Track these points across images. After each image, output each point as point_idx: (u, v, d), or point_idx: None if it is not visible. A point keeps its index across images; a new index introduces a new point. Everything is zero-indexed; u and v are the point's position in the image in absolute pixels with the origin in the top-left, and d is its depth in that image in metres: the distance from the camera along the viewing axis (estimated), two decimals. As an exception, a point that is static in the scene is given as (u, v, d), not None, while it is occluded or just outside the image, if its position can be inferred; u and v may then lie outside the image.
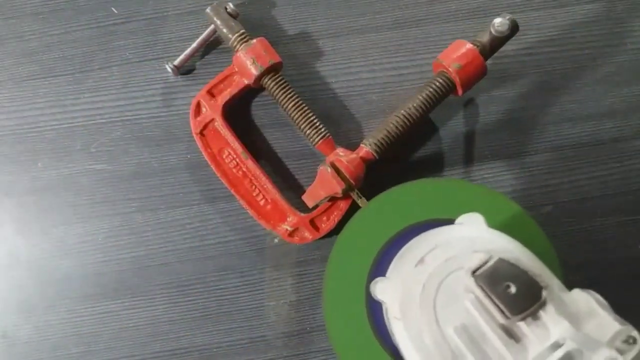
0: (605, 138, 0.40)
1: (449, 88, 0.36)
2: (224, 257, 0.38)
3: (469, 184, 0.35)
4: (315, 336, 0.37)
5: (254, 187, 0.38)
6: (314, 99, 0.40)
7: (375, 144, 0.36)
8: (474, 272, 0.21)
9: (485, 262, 0.21)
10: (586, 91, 0.41)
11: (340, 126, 0.40)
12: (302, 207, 0.38)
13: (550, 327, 0.20)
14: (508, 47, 0.41)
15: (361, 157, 0.36)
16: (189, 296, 0.38)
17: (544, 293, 0.20)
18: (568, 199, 0.38)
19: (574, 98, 0.41)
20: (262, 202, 0.38)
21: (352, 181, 0.35)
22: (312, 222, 0.37)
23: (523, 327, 0.20)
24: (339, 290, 0.30)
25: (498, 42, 0.35)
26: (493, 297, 0.20)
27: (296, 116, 0.37)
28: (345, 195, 0.36)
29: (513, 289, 0.20)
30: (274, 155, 0.40)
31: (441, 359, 0.20)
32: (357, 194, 0.36)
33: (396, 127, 0.36)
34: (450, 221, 0.25)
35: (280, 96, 0.37)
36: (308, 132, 0.37)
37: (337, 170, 0.35)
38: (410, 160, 0.40)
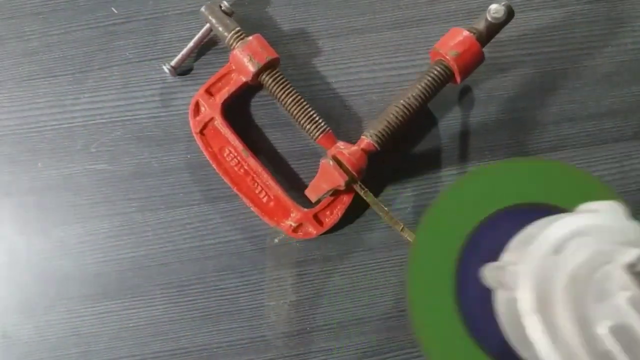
0: (605, 138, 0.40)
1: (447, 76, 0.36)
2: (224, 257, 0.38)
3: (571, 167, 0.31)
4: (315, 336, 0.37)
5: (256, 184, 0.38)
6: (314, 98, 0.40)
7: (376, 134, 0.36)
8: (631, 267, 0.18)
9: None
10: (586, 91, 0.41)
11: (340, 126, 0.40)
12: (305, 204, 0.38)
13: None
14: (508, 47, 0.41)
15: (362, 149, 0.36)
16: (189, 296, 0.38)
17: None
18: (568, 199, 0.38)
19: (574, 98, 0.41)
20: (265, 199, 0.38)
21: (354, 173, 0.35)
22: (316, 217, 0.37)
23: None
24: (425, 275, 0.27)
25: (494, 28, 0.35)
26: None
27: (295, 112, 0.37)
28: (348, 188, 0.36)
29: None
30: (275, 153, 0.40)
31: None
32: (360, 186, 0.36)
33: (396, 117, 0.36)
34: (556, 207, 0.22)
35: (278, 92, 0.37)
36: (308, 127, 0.37)
37: (339, 163, 0.35)
38: (409, 156, 0.40)
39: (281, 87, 0.37)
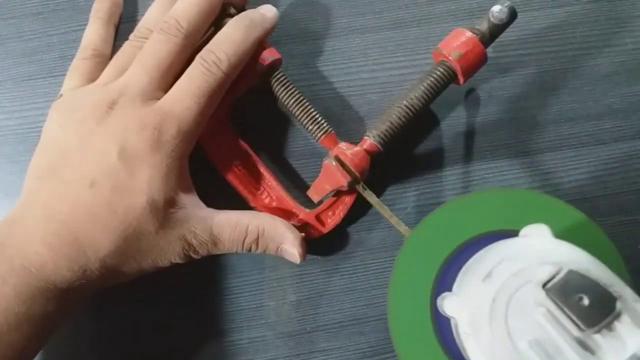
0: (605, 138, 0.40)
1: (450, 77, 0.36)
2: (224, 257, 0.38)
3: (531, 193, 0.34)
4: (315, 336, 0.37)
5: (258, 185, 0.38)
6: (314, 99, 0.40)
7: (379, 135, 0.36)
8: (544, 285, 0.20)
9: (555, 275, 0.20)
10: (586, 91, 0.41)
11: (340, 126, 0.40)
12: (307, 204, 0.38)
13: (626, 339, 0.19)
14: (509, 48, 0.41)
15: (365, 150, 0.36)
16: (189, 296, 0.38)
17: (618, 304, 0.20)
18: (568, 199, 0.38)
19: (574, 98, 0.41)
20: (267, 200, 0.38)
21: (357, 174, 0.35)
22: (318, 218, 0.37)
23: (598, 339, 0.20)
24: (404, 298, 0.29)
25: (497, 29, 0.35)
26: (566, 310, 0.20)
27: (298, 112, 0.37)
28: (351, 188, 0.36)
29: (586, 301, 0.20)
30: (276, 153, 0.40)
31: None
32: (362, 186, 0.35)
33: (399, 117, 0.36)
34: (515, 232, 0.24)
35: (281, 92, 0.37)
36: (310, 127, 0.37)
37: (341, 164, 0.35)
38: (410, 157, 0.40)
39: (283, 87, 0.37)
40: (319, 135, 0.37)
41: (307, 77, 0.41)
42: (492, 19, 0.35)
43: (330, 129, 0.37)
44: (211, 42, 0.34)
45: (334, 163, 0.35)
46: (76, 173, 0.30)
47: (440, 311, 0.25)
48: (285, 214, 0.37)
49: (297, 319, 0.38)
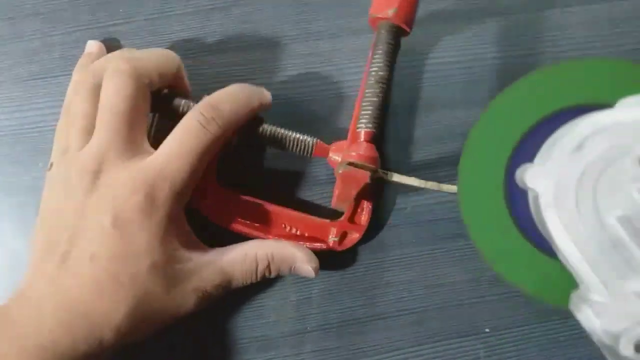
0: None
1: (398, 33, 0.36)
2: (224, 257, 0.38)
3: (628, 62, 0.30)
4: (315, 336, 0.37)
5: (283, 225, 0.37)
6: (314, 99, 0.40)
7: (368, 119, 0.35)
8: None
9: None
10: (586, 91, 0.41)
11: (340, 126, 0.40)
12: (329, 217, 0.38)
13: None
14: (510, 49, 0.41)
15: (365, 140, 0.35)
16: (189, 296, 0.38)
17: None
18: None
19: (574, 98, 0.41)
20: (293, 230, 0.37)
21: (373, 166, 0.34)
22: (352, 220, 0.37)
23: None
24: (476, 171, 0.27)
25: None
26: None
27: (278, 145, 0.36)
28: (373, 180, 0.35)
29: None
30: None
31: (599, 249, 0.19)
32: (383, 172, 0.35)
33: (376, 95, 0.35)
34: (609, 105, 0.22)
35: (261, 139, 0.36)
36: (297, 149, 0.36)
37: (356, 165, 0.34)
38: (410, 157, 0.40)
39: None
40: (310, 150, 0.36)
41: (307, 77, 0.41)
42: None
43: (316, 139, 0.37)
44: (212, 97, 0.33)
45: (349, 169, 0.34)
46: (75, 247, 0.30)
47: (519, 183, 0.23)
48: (321, 232, 0.37)
49: (297, 318, 0.38)
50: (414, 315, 0.38)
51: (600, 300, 0.19)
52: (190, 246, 0.33)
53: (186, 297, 0.32)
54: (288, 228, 0.37)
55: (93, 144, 0.31)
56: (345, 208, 0.37)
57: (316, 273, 0.35)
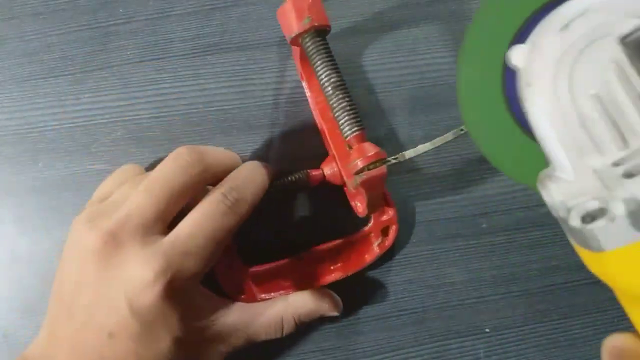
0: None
1: (321, 35, 0.34)
2: (224, 257, 0.38)
3: None
4: (315, 336, 0.37)
5: (306, 270, 0.37)
6: (314, 99, 0.40)
7: (351, 123, 0.33)
8: (623, 38, 0.19)
9: (638, 30, 0.19)
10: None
11: (340, 126, 0.40)
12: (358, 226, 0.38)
13: None
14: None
15: (358, 142, 0.33)
16: (189, 296, 0.38)
17: None
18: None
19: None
20: (340, 264, 0.37)
21: (383, 157, 0.32)
22: (380, 218, 0.37)
23: None
24: (476, 56, 0.26)
25: None
26: (638, 65, 0.19)
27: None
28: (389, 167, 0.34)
29: None
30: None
31: (568, 127, 0.20)
32: (392, 159, 0.33)
33: (343, 99, 0.33)
34: None
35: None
36: (296, 187, 0.35)
37: (367, 169, 0.32)
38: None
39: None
40: (306, 182, 0.35)
41: (307, 77, 0.41)
42: None
43: (305, 171, 0.35)
44: (231, 179, 0.32)
45: (364, 176, 0.32)
46: (93, 320, 0.29)
47: (507, 63, 0.23)
48: (363, 245, 0.37)
49: (297, 318, 0.38)
50: (414, 315, 0.38)
51: (564, 177, 0.20)
52: (211, 308, 0.32)
53: (211, 358, 0.32)
54: (332, 264, 0.37)
55: (125, 204, 0.30)
56: (377, 210, 0.36)
57: (340, 312, 0.35)
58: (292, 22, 0.33)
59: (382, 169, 0.32)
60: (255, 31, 0.41)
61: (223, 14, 0.42)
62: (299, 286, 0.36)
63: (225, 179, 0.31)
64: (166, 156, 0.40)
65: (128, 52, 0.41)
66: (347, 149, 0.35)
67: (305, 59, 0.36)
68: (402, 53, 0.41)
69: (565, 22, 0.21)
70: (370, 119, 0.40)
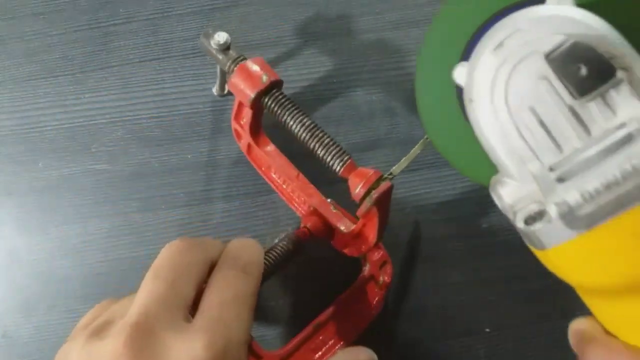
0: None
1: (279, 87, 0.34)
2: (224, 257, 0.38)
3: None
4: (315, 336, 0.37)
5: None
6: (314, 99, 0.40)
7: (336, 155, 0.33)
8: (548, 55, 0.21)
9: (561, 45, 0.21)
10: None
11: (340, 126, 0.40)
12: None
13: (619, 109, 0.20)
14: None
15: (357, 171, 0.33)
16: (189, 296, 0.38)
17: (620, 74, 0.20)
18: None
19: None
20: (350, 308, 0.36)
21: (380, 174, 0.32)
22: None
23: (593, 110, 0.20)
24: (431, 75, 0.27)
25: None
26: (562, 78, 0.20)
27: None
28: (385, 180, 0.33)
29: (584, 71, 0.20)
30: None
31: (509, 137, 0.22)
32: (387, 176, 0.32)
33: (318, 137, 0.33)
34: (540, 1, 0.23)
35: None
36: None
37: (372, 191, 0.32)
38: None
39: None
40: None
41: (307, 77, 0.41)
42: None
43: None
44: (227, 252, 0.30)
45: (376, 195, 0.31)
46: None
47: (455, 81, 0.24)
48: (370, 290, 0.37)
49: (297, 318, 0.38)
50: (415, 315, 0.38)
51: (510, 182, 0.22)
52: None
53: None
54: (344, 327, 0.36)
55: (137, 298, 0.27)
56: (383, 233, 0.35)
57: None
58: (250, 84, 0.33)
59: (388, 183, 0.32)
60: (255, 31, 0.41)
61: (223, 14, 0.42)
62: (328, 351, 0.35)
63: (223, 255, 0.30)
64: (166, 156, 0.40)
65: (128, 52, 0.41)
66: (325, 199, 0.36)
67: (256, 125, 0.36)
68: (402, 53, 0.41)
69: (498, 41, 0.23)
70: (370, 119, 0.40)
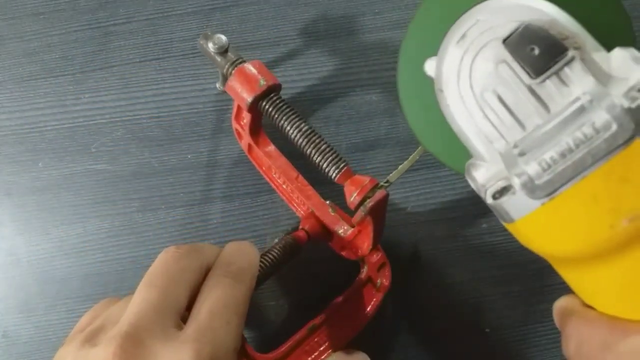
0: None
1: (276, 92, 0.34)
2: (224, 257, 0.38)
3: None
4: (315, 336, 0.37)
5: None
6: (314, 99, 0.40)
7: (333, 162, 0.32)
8: (504, 40, 0.22)
9: (516, 30, 0.22)
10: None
11: (340, 126, 0.40)
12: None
13: (573, 85, 0.21)
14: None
15: (352, 179, 0.32)
16: (189, 296, 0.38)
17: (572, 52, 0.21)
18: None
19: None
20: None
21: (376, 182, 0.32)
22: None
23: (550, 88, 0.22)
24: (413, 67, 0.28)
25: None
26: (519, 59, 0.22)
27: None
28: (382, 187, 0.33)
29: (537, 51, 0.22)
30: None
31: (476, 121, 0.23)
32: (383, 183, 0.32)
33: (315, 143, 0.33)
34: None
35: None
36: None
37: (362, 203, 0.31)
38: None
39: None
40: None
41: (307, 77, 0.41)
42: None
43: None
44: (221, 257, 0.30)
45: (371, 203, 0.31)
46: None
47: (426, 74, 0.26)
48: (367, 292, 0.36)
49: (296, 319, 0.38)
50: (414, 315, 0.38)
51: (482, 164, 0.23)
52: None
53: None
54: (342, 327, 0.35)
55: (130, 306, 0.27)
56: (379, 240, 0.35)
57: None
58: (248, 88, 0.33)
59: (383, 192, 0.32)
60: (255, 31, 0.41)
61: (223, 14, 0.42)
62: (322, 353, 0.35)
63: (216, 261, 0.30)
64: (166, 156, 0.40)
65: (128, 52, 0.41)
66: (324, 201, 0.35)
67: (256, 126, 0.36)
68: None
69: (461, 34, 0.24)
70: (370, 119, 0.40)
